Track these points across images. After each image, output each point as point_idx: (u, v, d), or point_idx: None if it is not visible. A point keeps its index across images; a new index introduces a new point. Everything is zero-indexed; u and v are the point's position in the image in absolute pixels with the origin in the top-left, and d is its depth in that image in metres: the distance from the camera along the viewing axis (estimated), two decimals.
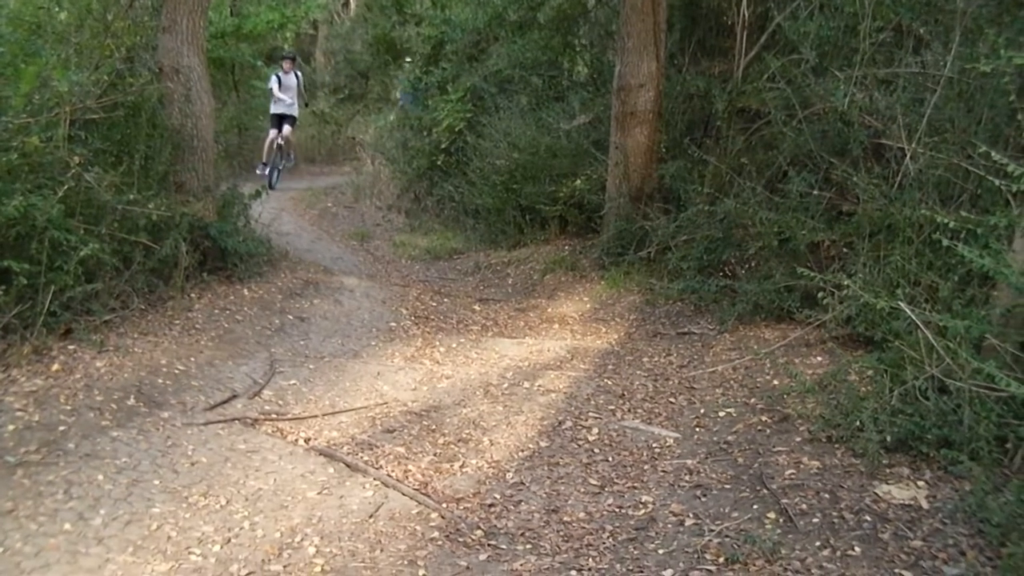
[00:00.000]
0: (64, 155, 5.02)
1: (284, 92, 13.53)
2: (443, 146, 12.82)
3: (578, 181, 9.20)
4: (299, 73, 13.97)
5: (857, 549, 3.05)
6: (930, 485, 3.41)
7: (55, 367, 4.45)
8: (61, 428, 3.87)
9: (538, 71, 11.91)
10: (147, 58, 6.65)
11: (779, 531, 3.22)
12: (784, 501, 3.40)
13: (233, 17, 15.22)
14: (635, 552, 3.23)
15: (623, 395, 4.94)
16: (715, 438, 4.19)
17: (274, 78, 13.62)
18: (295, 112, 13.95)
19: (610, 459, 4.04)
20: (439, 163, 12.89)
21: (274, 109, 13.68)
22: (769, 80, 6.77)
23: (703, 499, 3.55)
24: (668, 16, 8.30)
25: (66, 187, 4.76)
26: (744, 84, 7.43)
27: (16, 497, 3.26)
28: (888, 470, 3.55)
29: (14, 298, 4.43)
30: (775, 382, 4.78)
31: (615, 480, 3.81)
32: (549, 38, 11.50)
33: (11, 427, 3.78)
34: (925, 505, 3.29)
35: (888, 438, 3.63)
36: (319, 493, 3.57)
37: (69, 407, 4.07)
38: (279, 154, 13.83)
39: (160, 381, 4.62)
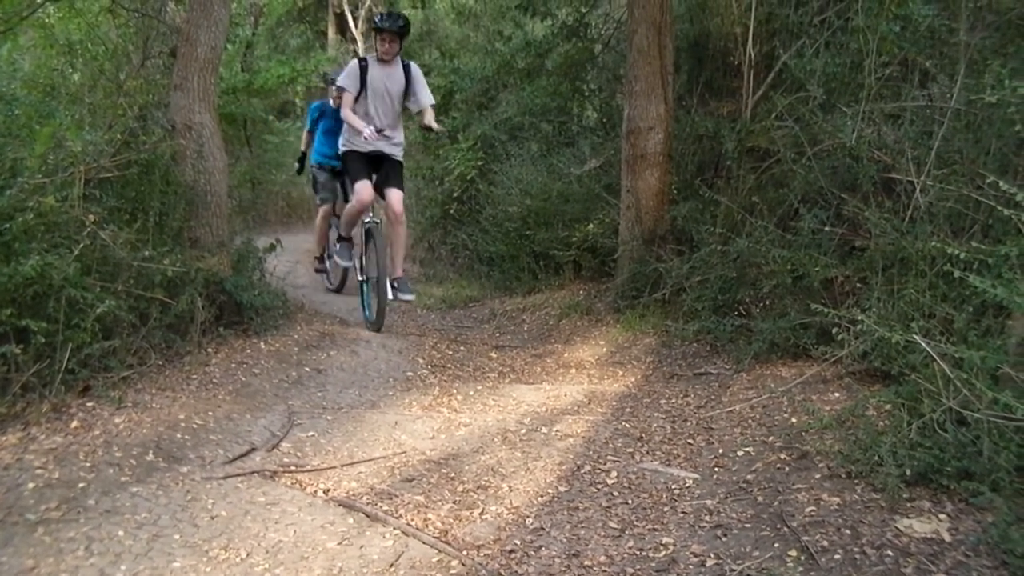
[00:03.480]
0: (79, 214, 5.07)
1: (375, 102, 7.79)
2: (455, 195, 12.89)
3: (591, 225, 9.22)
4: (412, 69, 7.94)
5: None
6: (952, 518, 3.38)
7: (74, 424, 4.47)
8: (81, 485, 3.88)
9: (548, 117, 12.00)
10: (159, 116, 6.71)
11: (801, 569, 3.19)
12: (805, 538, 3.38)
13: (244, 73, 15.35)
14: None
15: (641, 437, 4.92)
16: (734, 477, 4.17)
17: (350, 69, 7.86)
18: (399, 152, 8.10)
19: (629, 502, 4.02)
20: (452, 212, 12.95)
21: (351, 143, 7.92)
22: (777, 118, 6.79)
23: (724, 539, 3.53)
24: (675, 58, 8.34)
25: (82, 245, 4.81)
26: (753, 123, 7.45)
27: (37, 555, 3.26)
28: (909, 504, 3.52)
29: (32, 356, 4.46)
30: (793, 420, 4.75)
31: (635, 523, 3.79)
32: (558, 84, 11.58)
33: (31, 485, 3.79)
34: (947, 538, 3.26)
35: (908, 472, 3.60)
36: (339, 544, 3.56)
37: (89, 464, 4.08)
38: (374, 249, 8.01)
39: (179, 436, 4.63)
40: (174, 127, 6.57)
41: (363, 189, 7.79)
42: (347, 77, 7.81)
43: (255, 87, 14.64)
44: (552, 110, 12.09)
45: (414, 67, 8.01)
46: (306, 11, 21.33)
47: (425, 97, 7.90)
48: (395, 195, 7.81)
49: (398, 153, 8.07)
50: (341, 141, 8.17)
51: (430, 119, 7.80)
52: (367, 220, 8.05)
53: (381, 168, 7.98)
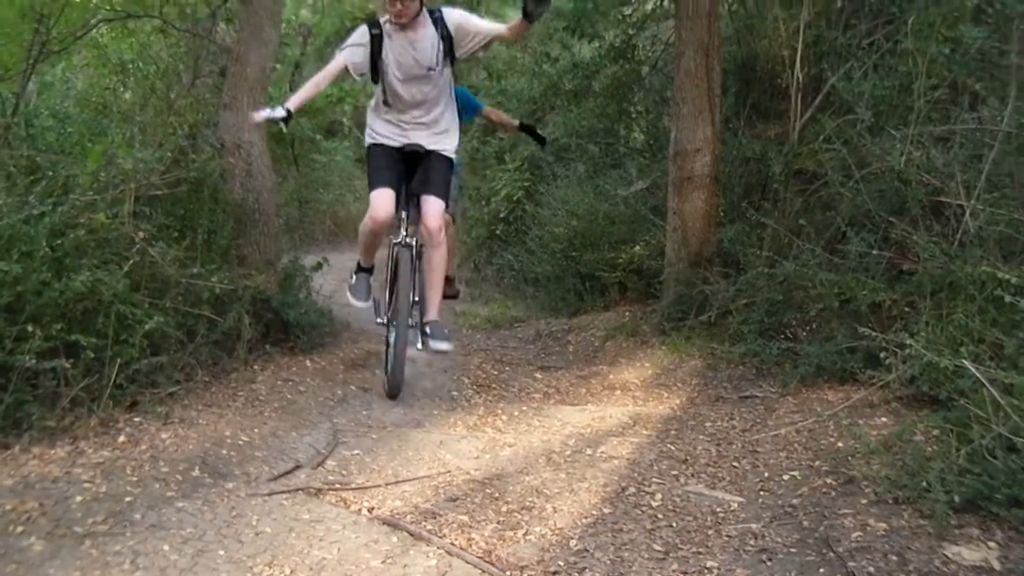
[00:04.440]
0: (129, 231, 5.15)
1: (404, 85, 5.84)
2: (502, 215, 12.96)
3: (637, 247, 9.22)
4: (448, 16, 5.78)
5: None
6: (1001, 546, 3.33)
7: (121, 439, 4.52)
8: (127, 499, 3.92)
9: (594, 139, 12.03)
10: (209, 135, 6.81)
11: None
12: (851, 564, 3.35)
13: (290, 92, 15.49)
14: None
15: (686, 460, 4.90)
16: (780, 501, 4.14)
17: (360, 36, 5.80)
18: (450, 147, 6.08)
19: (674, 524, 4.00)
20: (498, 232, 13.01)
21: (380, 135, 6.02)
22: (825, 141, 6.76)
23: (768, 563, 3.51)
24: (722, 80, 8.33)
25: (131, 262, 4.88)
26: (800, 146, 7.43)
27: (84, 567, 3.30)
28: (957, 531, 3.48)
29: (82, 371, 4.52)
30: (839, 444, 4.71)
31: (679, 546, 3.77)
32: (605, 106, 11.60)
33: (79, 498, 3.84)
34: (997, 566, 3.22)
35: (956, 498, 3.56)
36: (383, 562, 3.57)
37: (135, 478, 4.13)
38: (411, 274, 6.18)
39: (224, 452, 4.67)
40: (223, 146, 6.65)
41: (379, 200, 5.83)
42: (351, 44, 5.85)
43: (304, 107, 14.73)
44: (599, 132, 12.11)
45: (449, 12, 5.86)
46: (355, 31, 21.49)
47: (485, 26, 5.84)
48: (432, 206, 5.87)
49: (446, 147, 6.04)
50: (367, 130, 6.17)
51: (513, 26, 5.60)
52: (397, 240, 6.13)
53: (418, 167, 6.04)
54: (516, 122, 8.10)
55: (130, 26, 8.76)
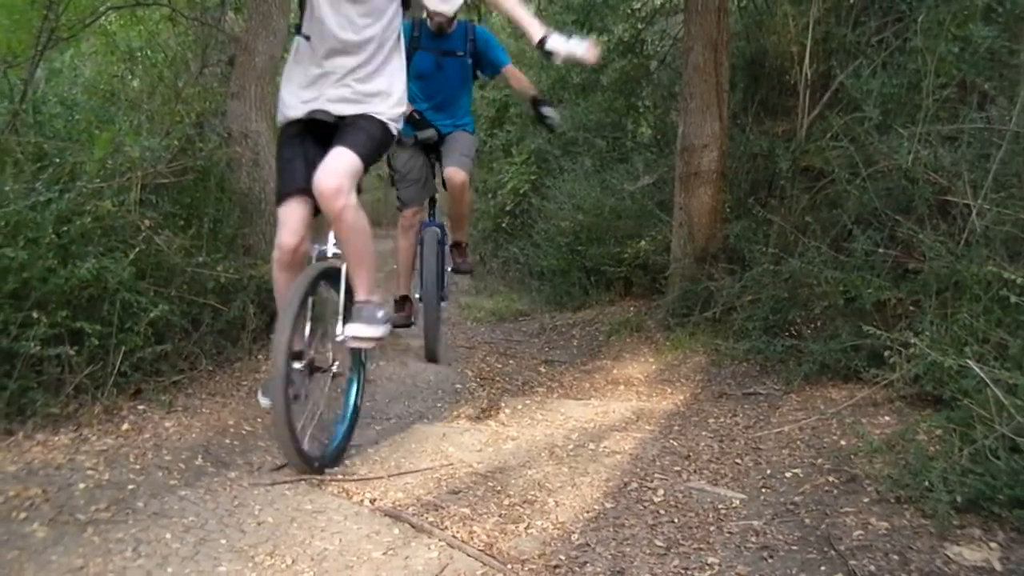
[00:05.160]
0: (135, 219, 5.14)
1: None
2: (508, 208, 12.95)
3: (643, 242, 9.22)
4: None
5: None
6: (1003, 547, 3.33)
7: (125, 427, 4.53)
8: (130, 487, 3.93)
9: (602, 133, 12.02)
10: (216, 124, 6.79)
11: None
12: (852, 563, 3.34)
13: None
14: None
15: (689, 456, 4.90)
16: (782, 499, 4.14)
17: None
18: (384, 109, 4.52)
19: (676, 520, 4.00)
20: (504, 225, 13.00)
21: (290, 105, 4.53)
22: (832, 138, 6.75)
23: (770, 561, 3.51)
24: (731, 76, 8.32)
25: (137, 250, 4.87)
26: (807, 143, 7.41)
27: (86, 554, 3.30)
28: (959, 531, 3.48)
29: (86, 359, 4.52)
30: (842, 442, 4.71)
31: (681, 541, 3.77)
32: (612, 100, 11.60)
33: (82, 485, 3.84)
34: (998, 567, 3.22)
35: (958, 498, 3.56)
36: (384, 554, 3.57)
37: (138, 466, 4.13)
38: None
39: (227, 441, 4.68)
40: (230, 135, 6.64)
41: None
42: None
43: None
44: (606, 126, 12.11)
45: None
46: None
47: None
48: (333, 158, 4.27)
49: (380, 109, 4.53)
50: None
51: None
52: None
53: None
54: (532, 92, 6.91)
55: (139, 14, 8.75)
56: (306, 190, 4.28)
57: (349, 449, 4.83)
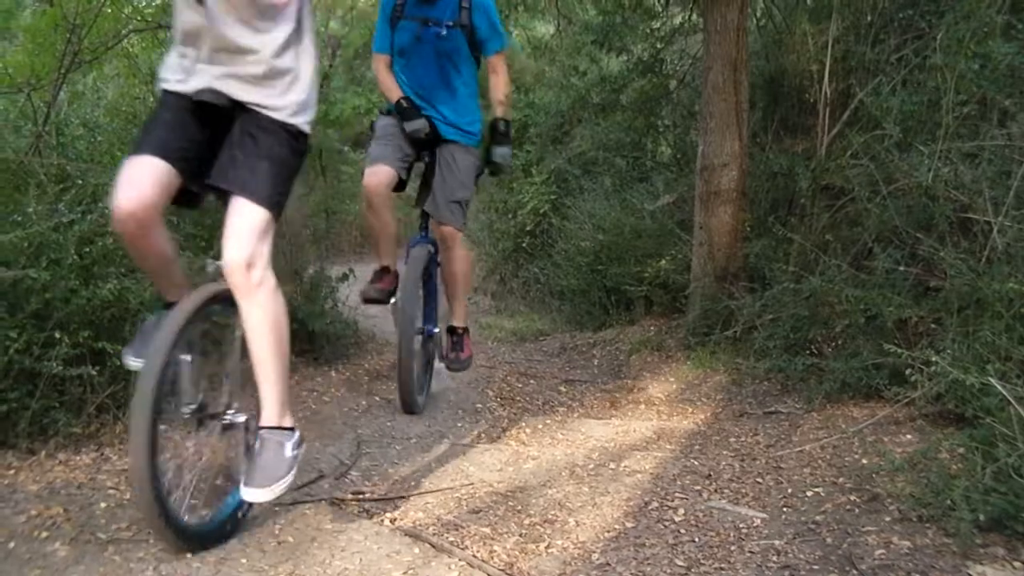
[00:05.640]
0: None
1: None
2: (528, 228, 12.96)
3: (663, 261, 9.20)
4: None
5: None
6: None
7: None
8: None
9: (622, 152, 12.03)
10: None
11: None
12: None
13: (320, 104, 15.56)
14: None
15: (709, 475, 4.89)
16: (803, 518, 4.12)
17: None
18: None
19: (696, 540, 3.99)
20: (524, 245, 13.01)
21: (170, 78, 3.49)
22: (853, 156, 6.74)
23: None
24: (750, 95, 8.32)
25: None
26: (827, 161, 7.40)
27: (107, 574, 3.31)
28: (982, 550, 3.46)
29: (108, 379, 4.54)
30: (864, 461, 4.69)
31: (701, 561, 3.75)
32: (632, 119, 11.61)
33: (103, 505, 3.86)
34: None
35: (981, 517, 3.53)
36: (404, 573, 3.57)
37: None
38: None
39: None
40: None
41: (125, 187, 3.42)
42: None
43: (331, 118, 14.76)
44: (626, 145, 12.12)
45: None
46: None
47: None
48: (239, 217, 3.60)
49: (277, 103, 3.71)
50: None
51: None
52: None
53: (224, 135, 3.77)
54: (499, 110, 5.78)
55: (160, 36, 8.82)
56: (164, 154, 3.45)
57: (371, 469, 4.84)
